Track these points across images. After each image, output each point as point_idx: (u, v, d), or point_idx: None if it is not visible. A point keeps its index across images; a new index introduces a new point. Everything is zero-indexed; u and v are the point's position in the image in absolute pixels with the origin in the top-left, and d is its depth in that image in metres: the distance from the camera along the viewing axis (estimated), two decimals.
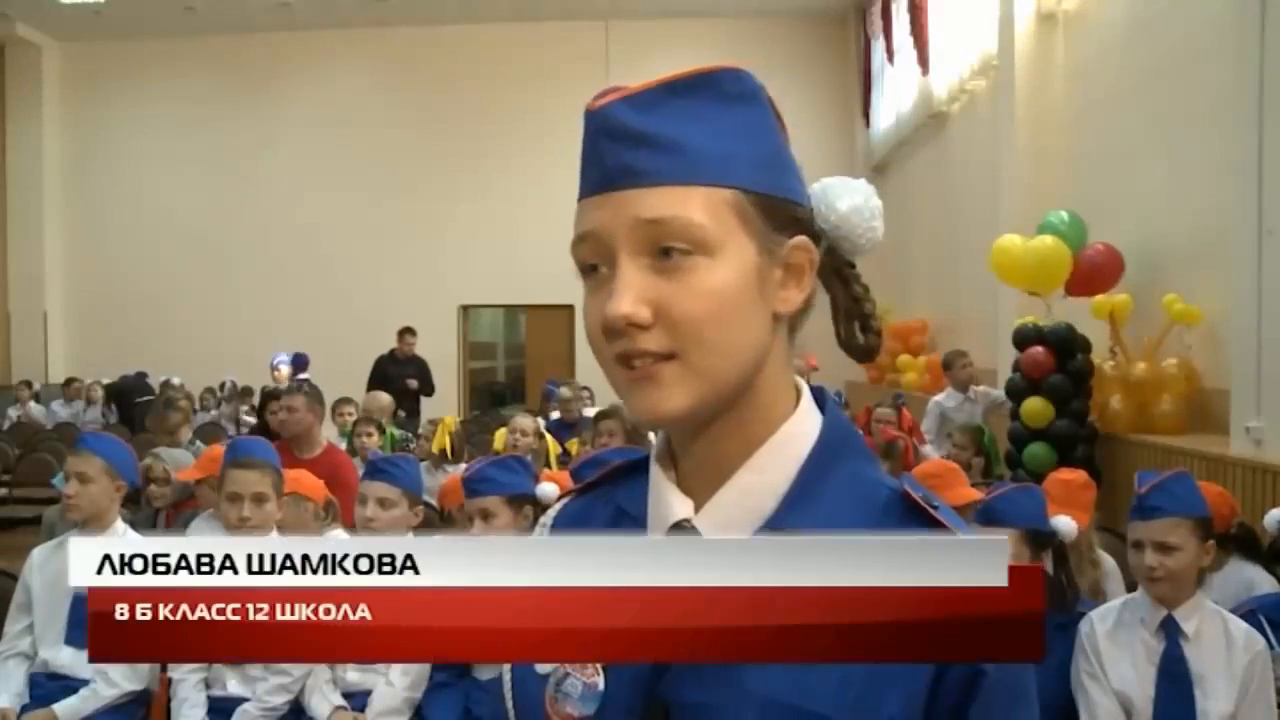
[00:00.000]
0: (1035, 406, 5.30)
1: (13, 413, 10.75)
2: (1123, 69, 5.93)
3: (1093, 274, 5.44)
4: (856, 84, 12.53)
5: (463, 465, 4.91)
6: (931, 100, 9.37)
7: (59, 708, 2.61)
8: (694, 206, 0.68)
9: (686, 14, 12.64)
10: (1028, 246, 5.52)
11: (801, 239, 0.74)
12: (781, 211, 0.73)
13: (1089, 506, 2.89)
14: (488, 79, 12.96)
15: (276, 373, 8.53)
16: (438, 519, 3.73)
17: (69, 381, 11.23)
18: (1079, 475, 2.98)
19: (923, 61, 9.47)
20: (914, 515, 0.71)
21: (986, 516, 2.45)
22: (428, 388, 8.84)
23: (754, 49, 11.50)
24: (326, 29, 13.07)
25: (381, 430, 5.57)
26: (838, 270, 0.80)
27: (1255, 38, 4.05)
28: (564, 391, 6.64)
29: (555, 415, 6.46)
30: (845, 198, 0.78)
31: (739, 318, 0.70)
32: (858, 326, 0.82)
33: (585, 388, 7.93)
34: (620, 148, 0.70)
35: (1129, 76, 5.83)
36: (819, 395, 0.79)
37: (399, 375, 8.54)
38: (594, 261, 0.71)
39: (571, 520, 0.85)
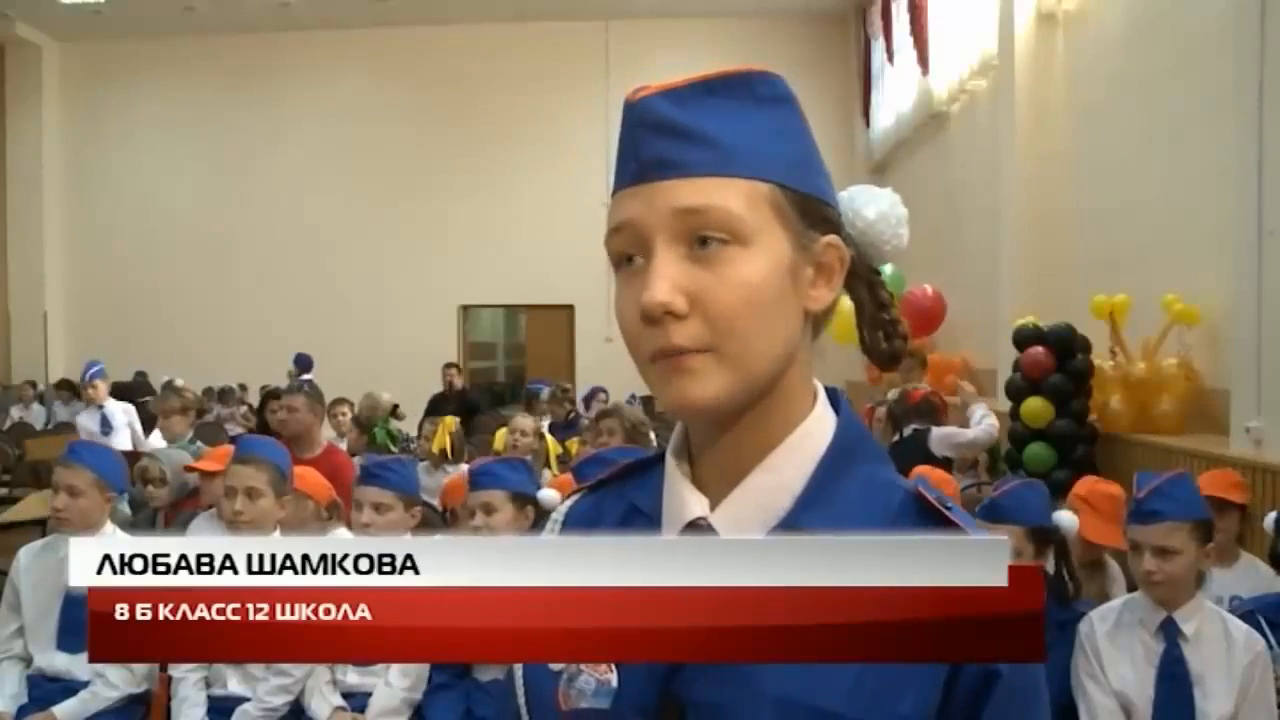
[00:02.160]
0: (1035, 406, 5.30)
1: (15, 412, 10.74)
2: (1123, 69, 5.93)
3: (920, 315, 5.55)
4: (856, 84, 12.53)
5: (463, 465, 4.93)
6: (931, 100, 9.37)
7: (59, 710, 2.61)
8: (731, 197, 0.69)
9: (686, 14, 12.65)
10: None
11: (833, 237, 0.75)
12: (814, 209, 0.73)
13: (1122, 519, 2.85)
14: (488, 79, 12.96)
15: (92, 387, 6.78)
16: (439, 519, 3.72)
17: (61, 384, 11.20)
18: (1117, 489, 2.87)
19: (923, 61, 9.47)
20: (928, 516, 0.72)
21: (991, 513, 2.44)
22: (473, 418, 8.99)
23: (754, 49, 11.50)
24: (326, 29, 13.08)
25: (366, 430, 5.58)
26: (863, 276, 0.81)
27: (1255, 38, 4.05)
28: (544, 394, 6.68)
29: (547, 419, 6.50)
30: (872, 205, 0.79)
31: (772, 310, 0.70)
32: (882, 333, 0.82)
33: (601, 389, 7.93)
34: (658, 140, 0.70)
35: (1129, 77, 5.83)
36: (833, 396, 0.79)
37: (440, 410, 8.74)
38: (629, 252, 0.72)
39: (582, 517, 0.85)
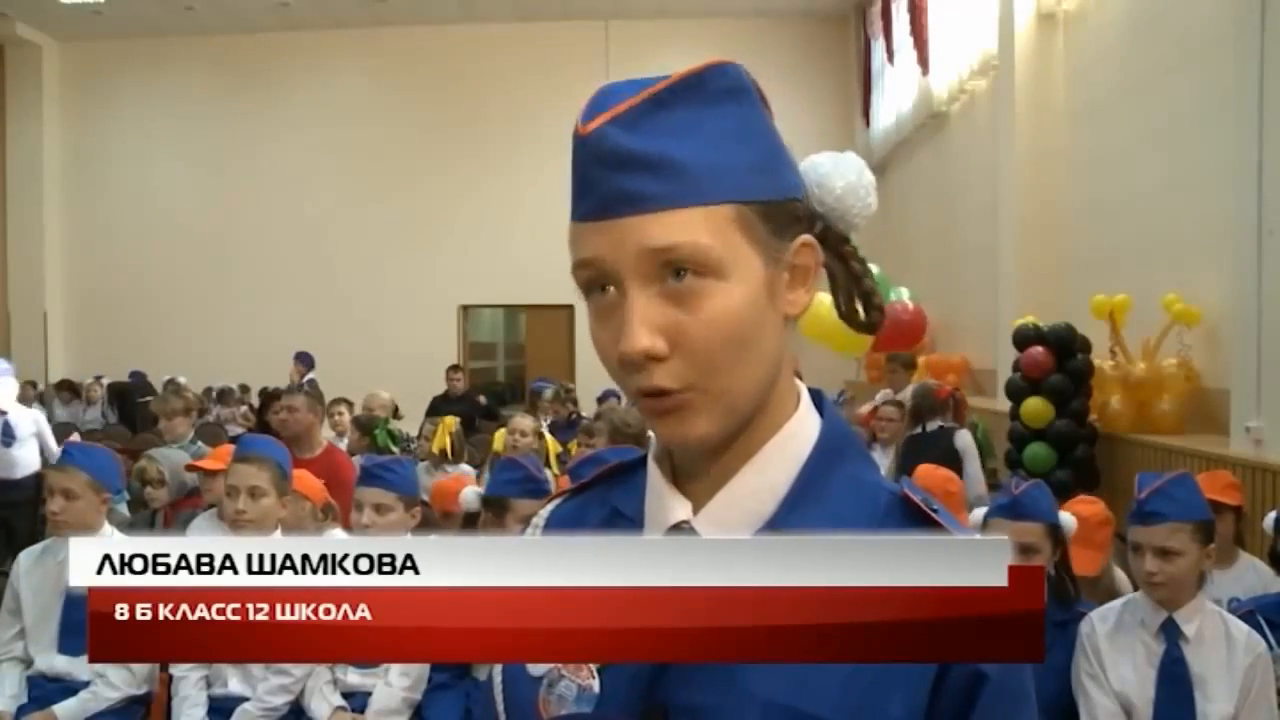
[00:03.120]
0: (1035, 406, 5.30)
1: None
2: (1123, 69, 5.93)
3: (900, 329, 5.53)
4: (856, 84, 12.53)
5: (463, 465, 4.93)
6: (931, 100, 9.37)
7: (59, 709, 2.61)
8: (699, 229, 0.67)
9: (686, 14, 12.65)
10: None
11: (805, 238, 0.73)
12: (783, 214, 0.71)
13: (1105, 544, 2.80)
14: (488, 79, 12.96)
15: None
16: (440, 519, 3.72)
17: (62, 384, 11.16)
18: (1097, 510, 2.81)
19: (923, 61, 9.47)
20: (914, 518, 0.71)
21: (1014, 511, 2.43)
22: (487, 412, 8.87)
23: (754, 49, 11.49)
24: (326, 29, 13.08)
25: (366, 431, 5.56)
26: (834, 248, 0.79)
27: (1255, 38, 4.05)
28: (547, 393, 6.63)
29: (548, 419, 6.48)
30: (839, 177, 0.77)
31: (754, 337, 0.69)
32: (859, 302, 0.81)
33: (614, 391, 7.90)
34: (615, 173, 0.67)
35: (1129, 76, 5.83)
36: (816, 397, 0.78)
37: (445, 412, 8.63)
38: (600, 283, 0.70)
39: (563, 522, 0.85)
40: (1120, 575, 2.93)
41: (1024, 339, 5.46)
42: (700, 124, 0.68)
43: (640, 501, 0.78)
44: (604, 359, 0.71)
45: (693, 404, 0.68)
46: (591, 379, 10.08)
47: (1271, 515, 2.81)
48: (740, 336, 0.68)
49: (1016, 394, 5.45)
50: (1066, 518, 2.54)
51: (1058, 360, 5.30)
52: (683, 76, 0.69)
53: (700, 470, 0.74)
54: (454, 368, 9.33)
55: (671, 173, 0.67)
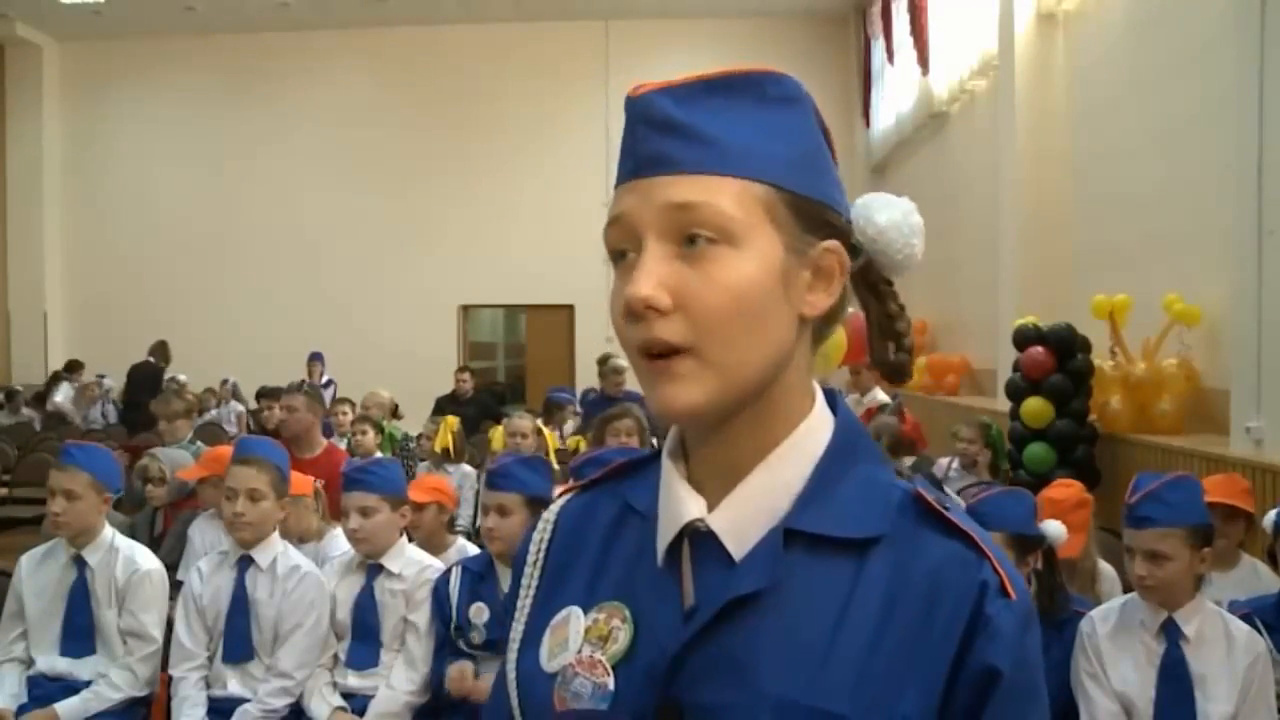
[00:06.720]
0: (1035, 406, 5.29)
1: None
2: (1123, 69, 5.92)
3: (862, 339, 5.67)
4: (856, 84, 12.52)
5: (464, 465, 4.95)
6: (931, 100, 9.37)
7: (60, 707, 2.60)
8: (723, 195, 0.69)
9: (686, 14, 12.64)
10: None
11: (833, 242, 0.74)
12: (814, 213, 0.72)
13: (1083, 525, 2.81)
14: (488, 79, 12.96)
15: None
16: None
17: (46, 387, 11.04)
18: (1072, 493, 2.85)
19: (923, 61, 9.46)
20: (927, 517, 0.72)
21: (972, 519, 2.42)
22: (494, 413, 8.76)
23: (754, 49, 11.50)
24: (326, 29, 13.07)
25: (380, 429, 5.56)
26: (873, 286, 0.81)
27: (1255, 38, 4.04)
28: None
29: (569, 424, 6.43)
30: (883, 212, 0.79)
31: (759, 314, 0.70)
32: (890, 344, 0.82)
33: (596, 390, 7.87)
34: (655, 135, 0.70)
35: (1129, 76, 5.83)
36: (831, 397, 0.79)
37: (456, 413, 8.51)
38: (623, 247, 0.72)
39: (575, 516, 0.85)
40: (1103, 564, 2.92)
41: (1024, 339, 5.45)
42: (745, 115, 0.71)
43: (653, 497, 0.78)
44: (613, 318, 0.72)
45: (687, 369, 0.69)
46: (591, 379, 10.07)
47: (1271, 514, 2.80)
48: (745, 309, 0.69)
49: (1016, 394, 5.44)
50: (1053, 527, 2.50)
51: (1058, 360, 5.29)
52: (737, 72, 0.72)
53: (714, 467, 0.74)
54: (463, 369, 9.26)
55: (705, 143, 0.70)
